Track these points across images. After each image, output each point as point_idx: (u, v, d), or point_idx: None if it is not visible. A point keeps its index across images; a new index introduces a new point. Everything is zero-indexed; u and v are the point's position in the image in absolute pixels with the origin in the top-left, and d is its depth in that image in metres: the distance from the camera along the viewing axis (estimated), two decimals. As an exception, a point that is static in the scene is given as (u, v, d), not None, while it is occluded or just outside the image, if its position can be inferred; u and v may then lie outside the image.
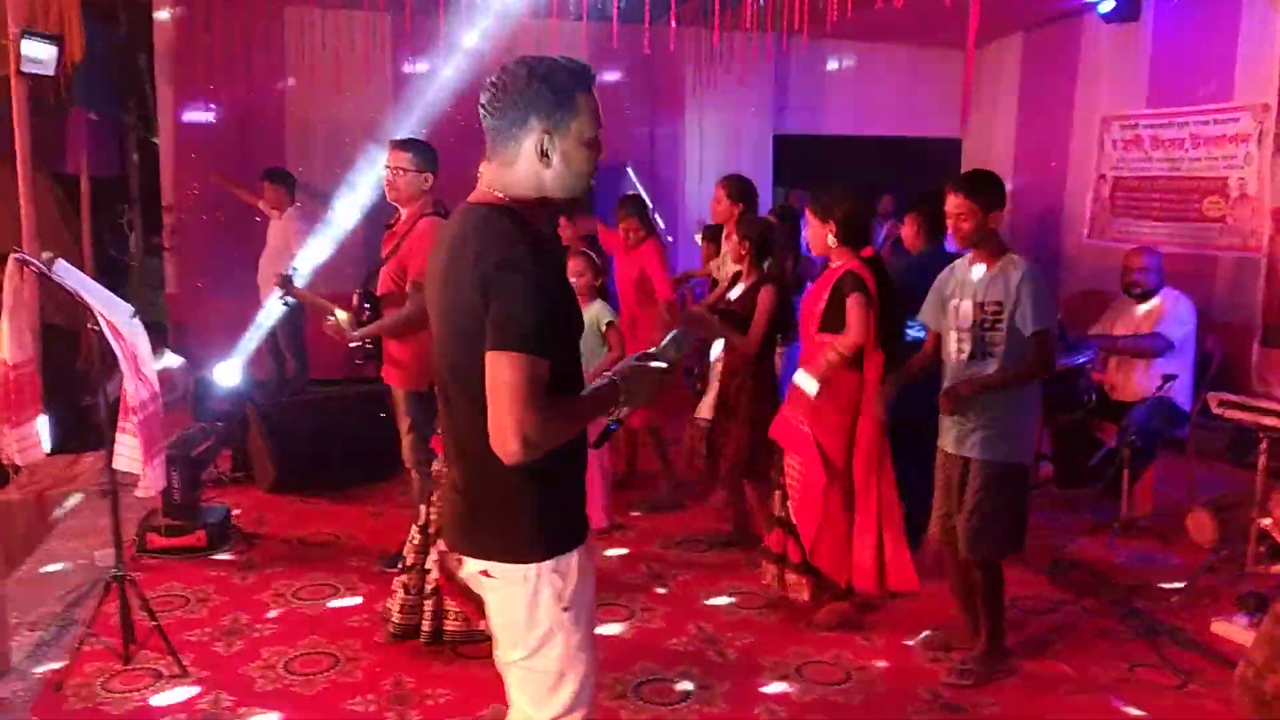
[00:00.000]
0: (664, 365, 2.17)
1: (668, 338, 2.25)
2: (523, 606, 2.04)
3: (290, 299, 4.65)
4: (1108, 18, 7.68)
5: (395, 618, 3.89)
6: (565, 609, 2.04)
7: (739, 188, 5.53)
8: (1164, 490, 5.51)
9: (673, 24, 7.47)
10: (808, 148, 9.82)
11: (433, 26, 7.87)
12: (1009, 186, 9.24)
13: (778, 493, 4.18)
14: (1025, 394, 3.56)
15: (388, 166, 4.22)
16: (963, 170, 8.67)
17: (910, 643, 3.95)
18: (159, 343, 8.17)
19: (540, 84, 1.97)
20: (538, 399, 1.87)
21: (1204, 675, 3.69)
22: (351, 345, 4.32)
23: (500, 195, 2.04)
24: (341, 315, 4.32)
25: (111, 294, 3.72)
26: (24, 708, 3.44)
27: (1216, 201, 7.07)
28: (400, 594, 3.90)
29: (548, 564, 2.03)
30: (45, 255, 3.50)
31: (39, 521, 5.38)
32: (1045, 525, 5.32)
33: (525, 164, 2.01)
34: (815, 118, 9.91)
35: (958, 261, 3.78)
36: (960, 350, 3.62)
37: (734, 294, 4.74)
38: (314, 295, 4.74)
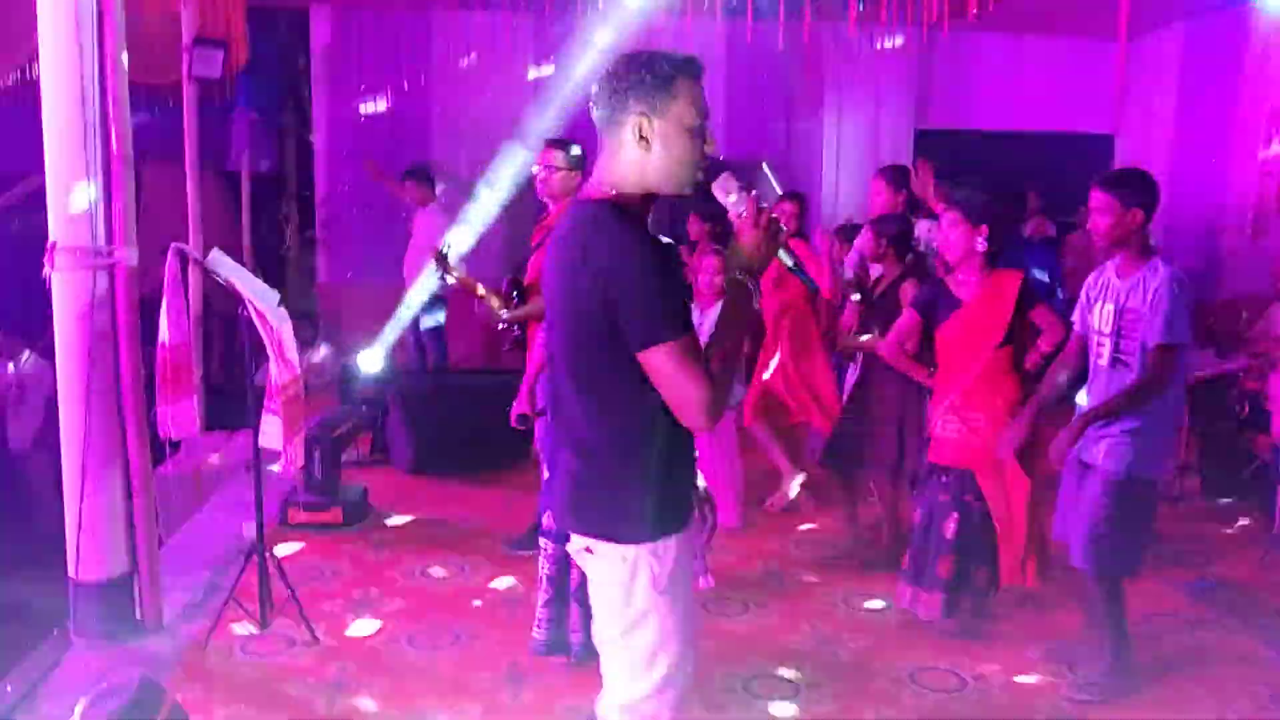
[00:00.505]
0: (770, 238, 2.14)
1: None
2: (620, 586, 2.10)
3: (446, 276, 4.80)
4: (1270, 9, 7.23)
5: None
6: (661, 592, 2.10)
7: (899, 176, 5.40)
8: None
9: (807, 18, 7.41)
10: (950, 143, 9.56)
11: (570, 27, 8.02)
12: (1165, 183, 8.82)
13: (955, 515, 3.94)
14: (1163, 404, 3.39)
15: (541, 164, 4.32)
16: (1114, 168, 8.34)
17: (1032, 655, 3.83)
18: (312, 331, 8.64)
19: (641, 69, 2.03)
20: (701, 372, 1.96)
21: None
22: (500, 329, 4.53)
23: (609, 190, 2.10)
24: (494, 300, 4.51)
25: (261, 283, 3.96)
26: (173, 664, 3.71)
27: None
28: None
29: (646, 547, 2.09)
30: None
31: (194, 494, 5.76)
32: (1189, 538, 5.09)
33: (628, 151, 2.06)
34: (959, 112, 9.62)
35: (1109, 262, 3.63)
36: (1100, 355, 3.48)
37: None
38: (466, 275, 4.88)
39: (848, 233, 5.74)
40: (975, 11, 5.98)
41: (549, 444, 3.60)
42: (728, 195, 2.18)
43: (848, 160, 9.12)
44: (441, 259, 4.77)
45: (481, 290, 4.56)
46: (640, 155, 2.06)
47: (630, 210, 2.07)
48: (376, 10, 8.60)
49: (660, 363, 1.96)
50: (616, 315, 1.97)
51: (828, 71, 8.90)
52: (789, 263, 2.25)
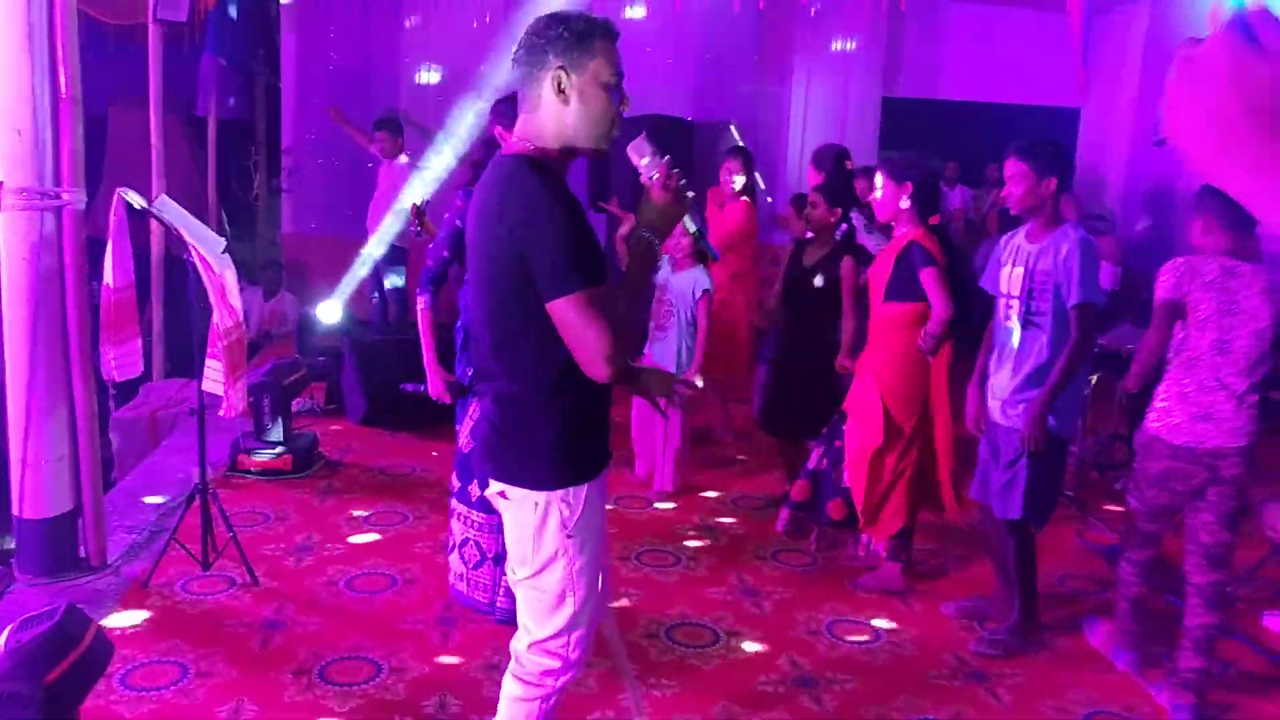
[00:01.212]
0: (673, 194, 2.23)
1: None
2: (531, 529, 2.22)
3: (421, 230, 4.81)
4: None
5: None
6: (569, 536, 2.22)
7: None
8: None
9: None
10: (918, 112, 9.62)
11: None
12: (1127, 157, 8.92)
13: (820, 451, 4.25)
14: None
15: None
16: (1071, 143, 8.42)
17: (947, 611, 3.98)
18: (277, 280, 8.67)
19: (559, 27, 2.12)
20: (605, 323, 2.04)
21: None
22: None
23: (528, 145, 2.18)
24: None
25: (206, 228, 4.01)
26: (114, 600, 3.80)
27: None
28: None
29: (558, 493, 2.20)
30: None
31: (149, 438, 5.84)
32: (1115, 507, 5.24)
33: (547, 105, 2.14)
34: (928, 82, 9.67)
35: (1020, 229, 3.73)
36: (1008, 316, 3.58)
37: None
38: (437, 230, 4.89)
39: (800, 202, 5.82)
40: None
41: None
42: (641, 158, 2.25)
43: (815, 126, 9.16)
44: (419, 212, 4.80)
45: None
46: (558, 109, 2.13)
47: (546, 165, 2.16)
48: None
49: (565, 312, 2.04)
50: (528, 267, 2.06)
51: (797, 37, 8.90)
52: (691, 229, 2.34)
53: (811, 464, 4.26)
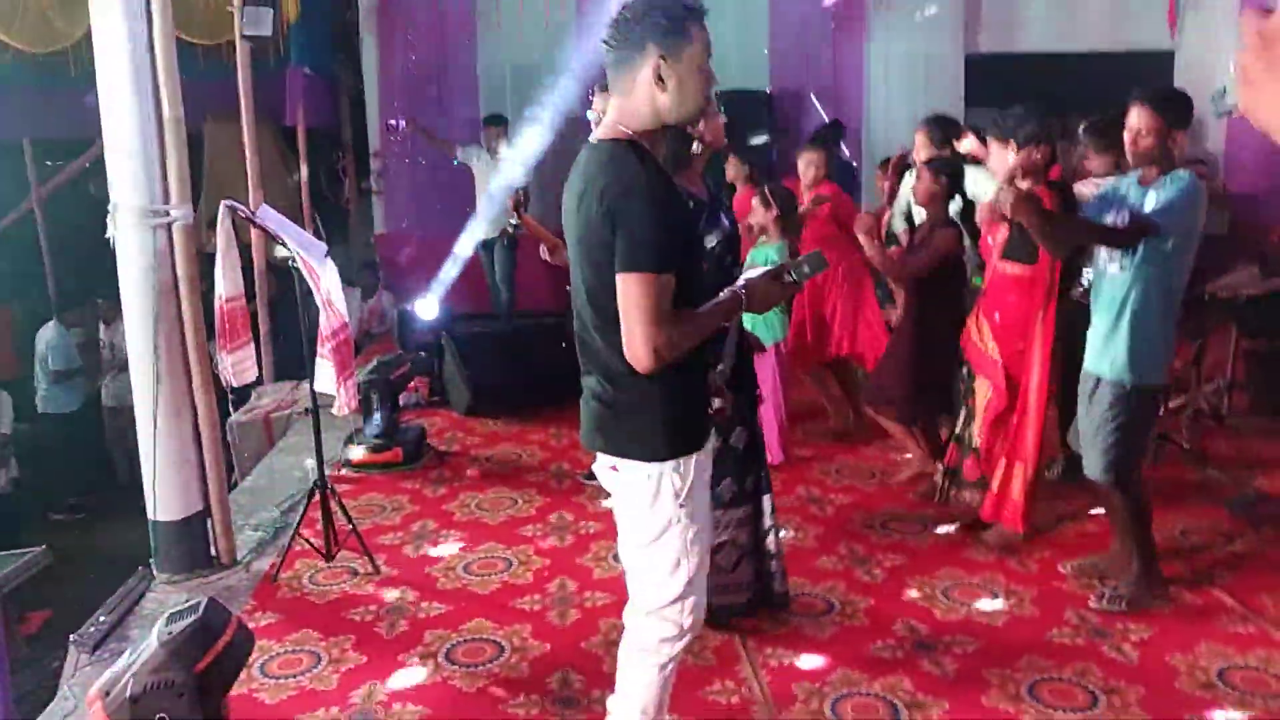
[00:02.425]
0: (791, 280, 2.33)
1: (806, 256, 2.37)
2: (647, 500, 2.28)
3: (516, 221, 4.95)
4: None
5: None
6: (682, 505, 2.26)
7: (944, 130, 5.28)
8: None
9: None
10: (1003, 68, 9.35)
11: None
12: (1231, 103, 8.55)
13: (962, 412, 4.26)
14: (1160, 317, 3.41)
15: (598, 111, 4.26)
16: (1174, 85, 8.13)
17: (1064, 569, 3.91)
18: (374, 280, 8.90)
19: (658, 13, 2.14)
20: (665, 313, 2.09)
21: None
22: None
23: (624, 129, 2.21)
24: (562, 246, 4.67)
25: (308, 234, 4.15)
26: (246, 595, 3.98)
27: None
28: None
29: (669, 464, 2.25)
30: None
31: (265, 439, 6.07)
32: (1234, 456, 5.08)
33: (643, 91, 2.17)
34: (1010, 35, 9.38)
35: (1127, 175, 3.63)
36: (1110, 260, 3.48)
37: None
38: (536, 223, 5.05)
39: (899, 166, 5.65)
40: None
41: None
42: (811, 270, 2.36)
43: (897, 88, 9.00)
44: (518, 205, 5.00)
45: (549, 236, 4.67)
46: (655, 95, 2.17)
47: (644, 149, 2.20)
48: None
49: (628, 288, 2.09)
50: (616, 240, 2.10)
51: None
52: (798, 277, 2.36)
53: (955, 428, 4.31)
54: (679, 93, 2.16)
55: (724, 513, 3.42)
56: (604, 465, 2.37)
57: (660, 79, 2.14)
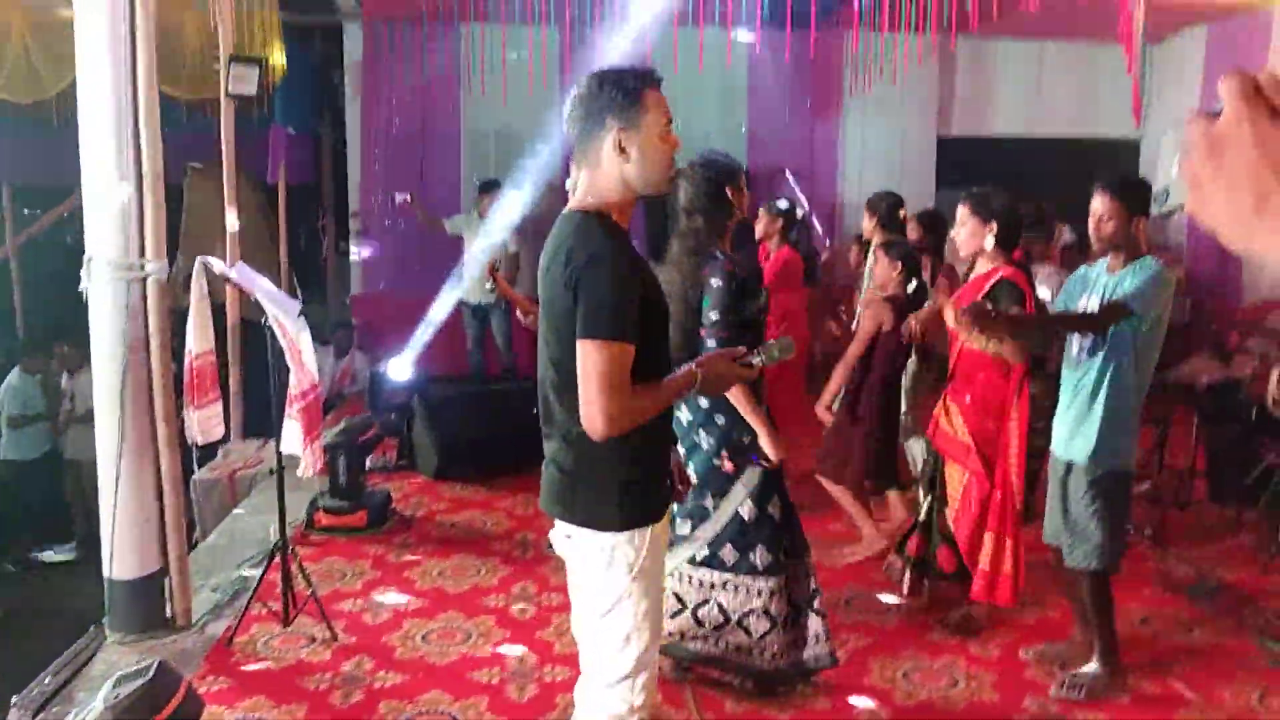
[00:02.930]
0: (751, 364, 2.35)
1: (776, 341, 2.40)
2: (598, 571, 2.27)
3: (491, 287, 5.13)
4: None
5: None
6: (634, 579, 2.26)
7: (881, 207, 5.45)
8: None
9: (812, 30, 7.50)
10: (974, 151, 9.59)
11: (594, 39, 8.18)
12: (1174, 204, 8.79)
13: (927, 501, 4.24)
14: (1131, 403, 3.46)
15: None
16: (1139, 173, 8.31)
17: (1025, 654, 3.91)
18: (348, 340, 8.89)
19: (611, 88, 2.20)
20: (621, 382, 2.11)
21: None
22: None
23: (591, 201, 2.26)
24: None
25: (282, 293, 4.16)
26: (199, 658, 3.90)
27: None
28: None
29: (623, 535, 2.25)
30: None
31: (229, 498, 6.00)
32: (1195, 544, 5.13)
33: (608, 163, 2.23)
34: (982, 119, 9.66)
35: (1096, 262, 3.70)
36: (1083, 347, 3.53)
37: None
38: (509, 288, 5.21)
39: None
40: (996, 16, 6.02)
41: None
42: (777, 355, 2.37)
43: (871, 168, 9.19)
44: (494, 269, 5.17)
45: (522, 301, 4.85)
46: (619, 165, 2.22)
47: (612, 219, 2.25)
48: (407, 25, 8.83)
49: (586, 354, 2.11)
50: (578, 307, 2.14)
51: (849, 79, 8.98)
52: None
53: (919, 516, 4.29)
54: (642, 161, 2.22)
55: (754, 580, 3.44)
56: (560, 533, 2.37)
57: (622, 149, 2.20)
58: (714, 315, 3.29)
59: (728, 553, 3.47)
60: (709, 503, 3.46)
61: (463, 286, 7.65)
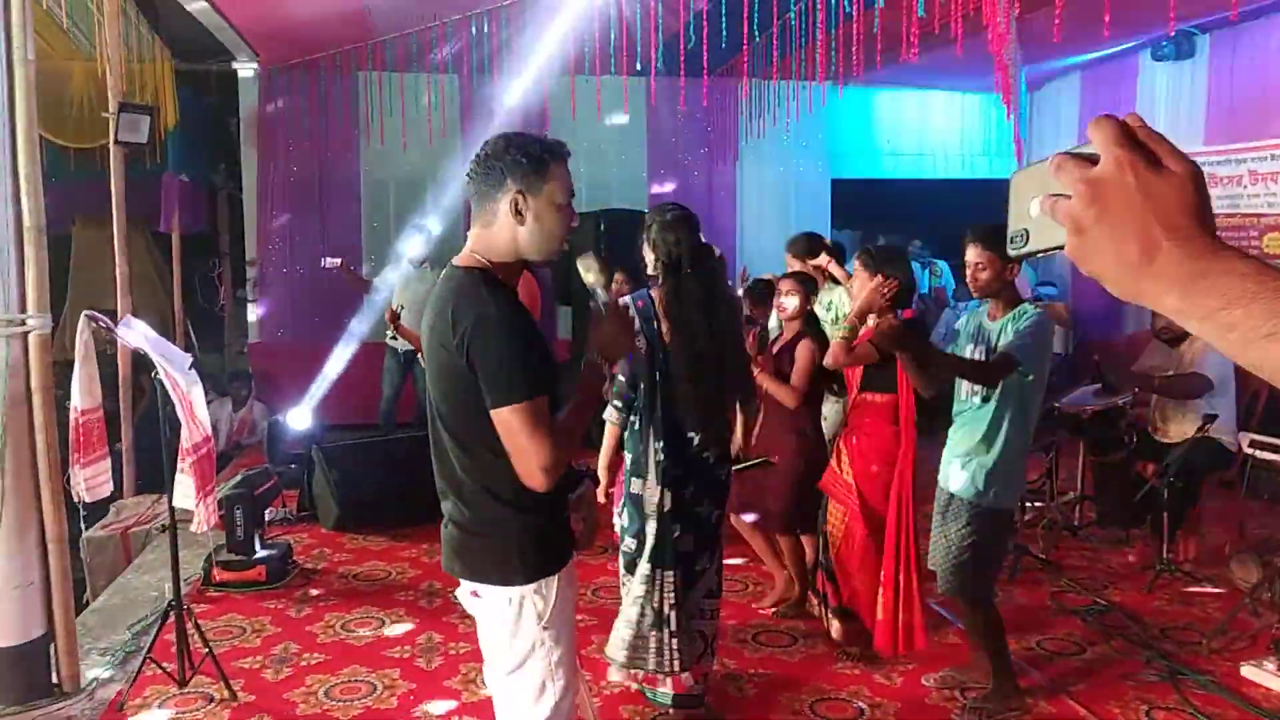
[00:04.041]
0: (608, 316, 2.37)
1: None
2: (508, 625, 2.25)
3: (392, 333, 5.20)
4: (1159, 57, 7.68)
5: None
6: (545, 628, 2.25)
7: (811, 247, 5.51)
8: (1216, 532, 5.44)
9: (705, 79, 7.70)
10: (866, 191, 9.90)
11: (494, 88, 8.25)
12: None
13: (820, 540, 4.35)
14: (1018, 443, 3.59)
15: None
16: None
17: (928, 681, 4.00)
18: (246, 390, 8.67)
19: (516, 151, 2.22)
20: (546, 433, 2.12)
21: (1226, 718, 3.67)
22: None
23: (480, 258, 2.27)
24: None
25: (173, 346, 4.06)
26: (88, 726, 3.75)
27: (1277, 238, 6.96)
28: None
29: (530, 587, 2.24)
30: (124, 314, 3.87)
31: (122, 556, 5.78)
32: (1086, 567, 5.32)
33: (502, 223, 2.24)
34: (872, 162, 10.00)
35: (979, 309, 3.84)
36: (973, 392, 3.67)
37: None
38: (417, 335, 5.16)
39: (758, 291, 5.80)
40: (879, 67, 6.26)
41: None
42: (586, 272, 2.37)
43: (767, 209, 9.41)
44: (395, 317, 5.32)
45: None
46: (513, 228, 2.23)
47: (498, 278, 2.25)
48: (304, 72, 8.77)
49: (507, 421, 2.11)
50: (477, 375, 2.13)
51: (742, 126, 9.20)
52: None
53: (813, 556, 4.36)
54: (537, 227, 2.23)
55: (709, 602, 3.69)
56: (465, 591, 2.35)
57: (519, 212, 2.21)
58: None
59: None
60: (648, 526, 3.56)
61: (388, 333, 7.54)
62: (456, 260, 2.32)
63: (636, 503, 3.58)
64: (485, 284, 2.20)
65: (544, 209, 2.23)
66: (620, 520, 3.71)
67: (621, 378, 3.49)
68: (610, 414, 3.64)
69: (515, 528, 2.24)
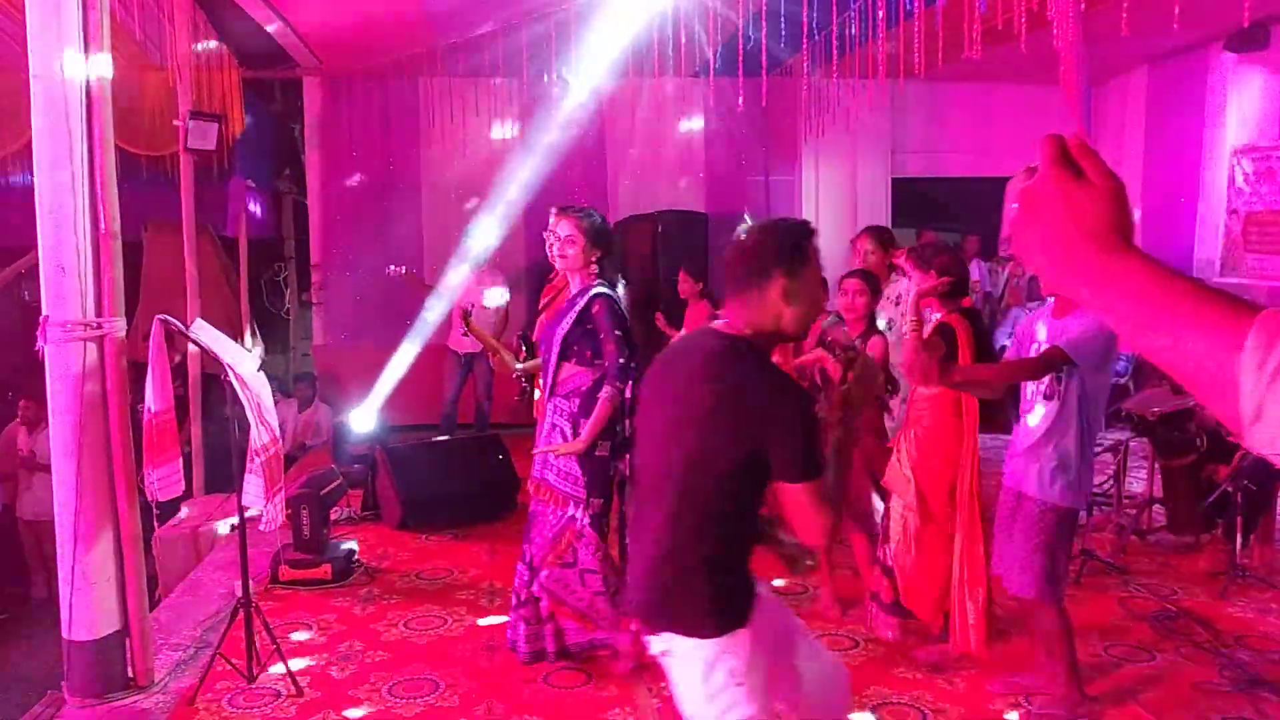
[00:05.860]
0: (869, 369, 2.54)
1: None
2: (699, 680, 2.26)
3: (465, 332, 5.42)
4: (1232, 48, 7.47)
5: (523, 646, 4.19)
6: (738, 684, 2.24)
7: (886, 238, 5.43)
8: (1291, 537, 5.29)
9: (764, 78, 7.66)
10: (928, 190, 9.78)
11: (552, 90, 8.31)
12: (1139, 225, 9.01)
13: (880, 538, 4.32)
14: (1083, 441, 3.53)
15: (553, 230, 4.09)
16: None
17: (994, 687, 3.94)
18: (310, 391, 8.84)
19: (781, 240, 2.33)
20: (828, 506, 2.22)
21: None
22: (514, 377, 5.06)
23: (745, 329, 2.32)
24: (506, 354, 5.10)
25: (241, 348, 4.15)
26: (163, 718, 3.84)
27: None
28: (522, 626, 4.19)
29: (721, 640, 2.25)
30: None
31: (192, 554, 5.93)
32: (1155, 571, 5.20)
33: (771, 304, 2.30)
34: (934, 160, 9.87)
35: (1045, 306, 3.78)
36: (1035, 392, 3.62)
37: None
38: (485, 333, 5.56)
39: None
40: (943, 64, 6.18)
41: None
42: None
43: (826, 209, 9.34)
44: (466, 315, 5.48)
45: (499, 352, 5.17)
46: (782, 309, 2.30)
47: (766, 351, 2.36)
48: (366, 78, 8.91)
49: (800, 496, 2.20)
50: (760, 448, 2.19)
51: (804, 125, 9.14)
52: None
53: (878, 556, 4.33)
54: (803, 304, 2.31)
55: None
56: (659, 646, 2.36)
57: (788, 297, 2.28)
58: None
59: None
60: None
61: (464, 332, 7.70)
62: (718, 325, 2.39)
63: None
64: (764, 358, 2.33)
65: (806, 288, 2.32)
66: None
67: None
68: None
69: (704, 581, 2.29)
